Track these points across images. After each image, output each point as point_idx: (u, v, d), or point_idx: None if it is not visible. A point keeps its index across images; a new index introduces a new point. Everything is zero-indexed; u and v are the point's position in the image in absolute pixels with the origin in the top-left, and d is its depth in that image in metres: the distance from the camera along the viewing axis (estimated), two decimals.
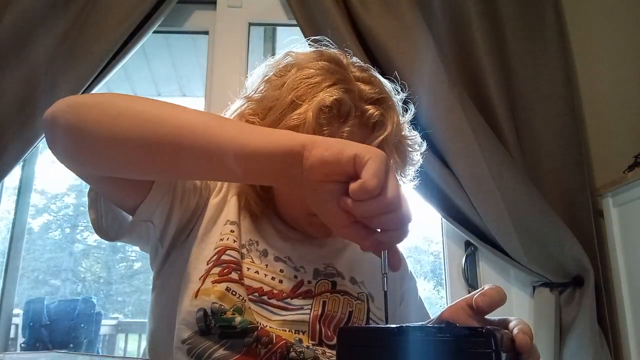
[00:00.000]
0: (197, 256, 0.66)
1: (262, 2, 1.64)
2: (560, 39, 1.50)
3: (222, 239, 0.67)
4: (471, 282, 1.47)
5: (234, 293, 0.62)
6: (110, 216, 0.65)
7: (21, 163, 1.45)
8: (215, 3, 1.62)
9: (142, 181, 0.63)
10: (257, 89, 0.74)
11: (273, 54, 1.86)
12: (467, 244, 1.49)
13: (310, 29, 1.44)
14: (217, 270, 0.63)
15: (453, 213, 1.40)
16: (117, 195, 0.64)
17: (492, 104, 1.43)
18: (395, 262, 0.52)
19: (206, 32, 1.64)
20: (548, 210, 1.34)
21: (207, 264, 0.65)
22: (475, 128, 1.36)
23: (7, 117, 1.37)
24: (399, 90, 0.77)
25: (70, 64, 1.39)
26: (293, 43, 0.81)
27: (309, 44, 0.78)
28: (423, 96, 1.33)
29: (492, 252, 1.38)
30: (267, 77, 0.73)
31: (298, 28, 1.47)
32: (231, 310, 0.61)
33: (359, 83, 0.70)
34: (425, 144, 0.79)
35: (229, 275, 0.63)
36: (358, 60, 0.76)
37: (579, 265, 1.33)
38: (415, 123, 0.80)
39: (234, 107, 0.75)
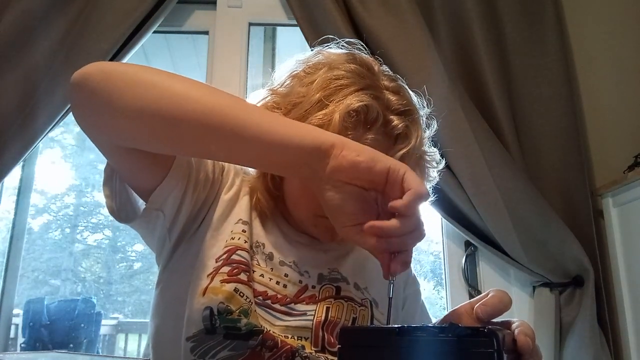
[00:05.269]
0: (206, 252, 0.66)
1: (262, 2, 1.64)
2: (560, 39, 1.50)
3: (232, 238, 0.67)
4: (471, 282, 1.47)
5: (241, 294, 0.62)
6: (123, 196, 0.65)
7: (21, 163, 1.45)
8: (215, 3, 1.62)
9: (159, 163, 0.63)
10: (284, 83, 0.73)
11: (273, 54, 1.87)
12: (467, 244, 1.49)
13: (310, 29, 1.44)
14: (226, 269, 0.63)
15: (453, 213, 1.40)
16: (132, 174, 0.64)
17: (492, 104, 1.43)
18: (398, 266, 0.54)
19: (206, 32, 1.64)
20: (548, 210, 1.34)
21: (216, 262, 0.64)
22: (475, 128, 1.36)
23: (7, 117, 1.36)
24: (425, 105, 0.76)
25: (70, 64, 1.39)
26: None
27: (342, 46, 0.76)
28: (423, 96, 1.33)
29: (492, 252, 1.38)
30: (295, 72, 0.73)
31: (298, 28, 1.47)
32: (237, 311, 0.60)
33: (387, 92, 0.70)
34: (443, 161, 0.78)
35: (238, 276, 0.63)
36: (388, 69, 0.75)
37: (579, 265, 1.33)
38: None
39: (257, 99, 0.74)
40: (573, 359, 1.29)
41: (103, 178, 0.64)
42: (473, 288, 1.46)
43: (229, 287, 0.61)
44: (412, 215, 0.50)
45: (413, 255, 0.54)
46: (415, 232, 0.51)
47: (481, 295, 0.56)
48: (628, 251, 1.32)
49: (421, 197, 0.49)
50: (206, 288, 0.61)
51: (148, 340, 0.71)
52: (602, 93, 1.57)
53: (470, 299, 0.60)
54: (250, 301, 0.62)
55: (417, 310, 0.84)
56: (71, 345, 2.57)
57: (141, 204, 0.67)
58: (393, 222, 0.50)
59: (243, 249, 0.66)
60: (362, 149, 0.52)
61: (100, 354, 2.88)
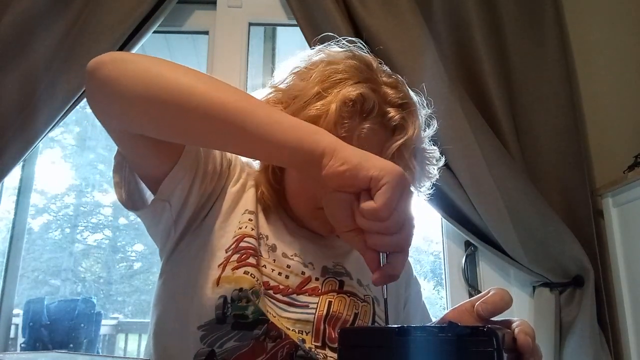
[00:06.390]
0: (215, 243, 0.67)
1: (262, 2, 1.64)
2: (560, 39, 1.50)
3: (240, 227, 0.69)
4: (471, 282, 1.47)
5: (252, 275, 0.64)
6: (132, 184, 0.67)
7: (21, 163, 1.45)
8: (215, 3, 1.62)
9: (168, 151, 0.64)
10: (285, 79, 0.75)
11: (273, 53, 1.87)
12: (467, 244, 1.49)
13: (310, 29, 1.44)
14: (235, 257, 0.65)
15: (453, 213, 1.40)
16: (141, 162, 0.65)
17: (492, 104, 1.43)
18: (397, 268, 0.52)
19: (206, 32, 1.64)
20: (548, 211, 1.34)
21: (226, 252, 0.66)
22: (475, 128, 1.36)
23: (7, 117, 1.36)
24: (425, 105, 0.78)
25: (70, 64, 1.39)
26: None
27: (343, 44, 0.78)
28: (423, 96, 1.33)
29: (492, 252, 1.38)
30: (296, 69, 0.75)
31: (298, 28, 1.47)
32: (250, 292, 0.62)
33: (385, 86, 0.71)
34: (442, 159, 0.79)
35: (247, 260, 0.65)
36: (387, 67, 0.77)
37: (579, 265, 1.33)
38: None
39: (260, 95, 0.75)
40: (573, 359, 1.29)
41: (113, 165, 0.66)
42: (473, 288, 1.46)
43: (239, 272, 0.63)
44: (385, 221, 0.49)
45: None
46: (390, 236, 0.50)
47: (482, 293, 0.56)
48: (628, 251, 1.32)
49: (376, 217, 0.48)
50: (219, 278, 0.63)
51: (149, 331, 0.71)
52: (602, 93, 1.57)
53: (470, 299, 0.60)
54: (260, 283, 0.64)
55: (418, 310, 0.85)
56: (71, 345, 2.57)
57: (149, 195, 0.69)
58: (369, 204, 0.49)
59: (251, 236, 0.68)
60: (349, 157, 0.51)
61: (100, 354, 2.88)
